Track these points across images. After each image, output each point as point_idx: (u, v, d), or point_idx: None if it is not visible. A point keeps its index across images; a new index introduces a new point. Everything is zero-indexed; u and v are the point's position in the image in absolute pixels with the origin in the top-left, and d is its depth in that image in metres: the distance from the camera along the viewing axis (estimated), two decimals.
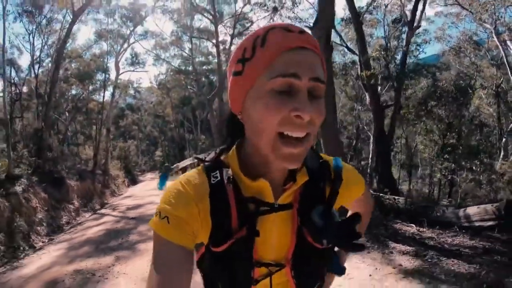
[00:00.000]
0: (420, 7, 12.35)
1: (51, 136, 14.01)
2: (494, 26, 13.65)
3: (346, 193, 0.86)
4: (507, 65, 13.05)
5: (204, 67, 28.53)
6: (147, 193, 16.00)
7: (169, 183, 0.84)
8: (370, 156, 13.83)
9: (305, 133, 0.66)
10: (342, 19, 14.01)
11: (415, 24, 12.21)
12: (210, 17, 20.83)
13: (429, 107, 11.86)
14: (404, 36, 12.73)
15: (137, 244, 6.37)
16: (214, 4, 20.47)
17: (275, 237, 0.78)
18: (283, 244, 0.79)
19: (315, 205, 0.78)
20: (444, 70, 18.58)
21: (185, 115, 32.56)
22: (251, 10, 19.26)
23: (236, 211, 0.73)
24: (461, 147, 11.23)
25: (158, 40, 24.79)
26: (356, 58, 12.54)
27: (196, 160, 0.84)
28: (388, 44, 13.14)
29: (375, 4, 13.83)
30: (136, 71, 28.47)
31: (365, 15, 13.42)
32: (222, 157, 0.81)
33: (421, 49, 15.23)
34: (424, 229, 5.76)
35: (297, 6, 14.15)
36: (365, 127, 18.91)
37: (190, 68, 24.94)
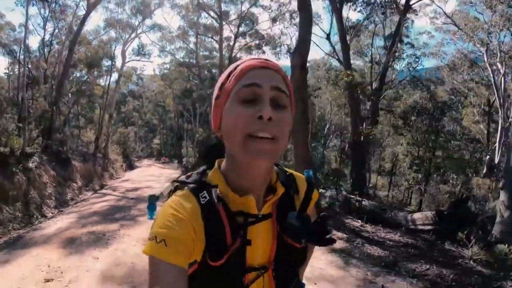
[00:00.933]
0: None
1: (59, 119, 15.05)
2: (486, 48, 14.29)
3: (313, 199, 0.96)
4: (494, 86, 13.72)
5: (208, 61, 29.05)
6: (144, 179, 17.10)
7: (158, 210, 0.93)
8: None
9: (272, 135, 0.73)
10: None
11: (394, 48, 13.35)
12: (216, 16, 21.70)
13: (409, 121, 12.97)
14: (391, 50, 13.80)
15: (137, 217, 7.67)
16: (220, 3, 21.38)
17: (260, 243, 0.84)
18: (266, 248, 0.85)
19: (289, 211, 0.85)
20: (439, 84, 19.37)
21: (186, 106, 33.09)
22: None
23: (229, 225, 0.78)
24: (429, 160, 12.33)
25: (165, 33, 25.51)
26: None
27: (177, 184, 0.87)
28: (372, 64, 14.28)
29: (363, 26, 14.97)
30: (142, 61, 29.12)
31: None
32: (204, 178, 0.86)
33: (419, 62, 16.32)
34: (367, 225, 7.02)
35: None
36: None
37: (194, 61, 25.66)
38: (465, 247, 5.40)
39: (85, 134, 22.24)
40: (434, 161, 13.05)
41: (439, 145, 13.59)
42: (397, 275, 4.50)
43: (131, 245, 5.51)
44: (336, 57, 15.48)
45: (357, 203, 8.12)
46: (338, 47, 15.51)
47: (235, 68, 0.79)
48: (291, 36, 24.13)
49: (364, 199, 8.51)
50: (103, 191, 13.03)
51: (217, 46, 23.26)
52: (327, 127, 22.84)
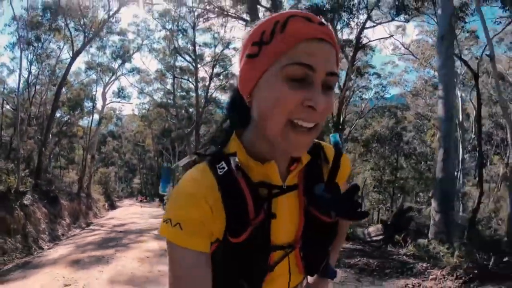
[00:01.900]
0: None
1: (45, 159, 15.81)
2: None
3: (342, 170, 0.85)
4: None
5: (184, 100, 30.20)
6: (128, 216, 17.76)
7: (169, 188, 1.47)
8: None
9: (315, 123, 0.67)
10: None
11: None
12: (191, 59, 23.19)
13: (371, 148, 14.48)
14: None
15: (129, 244, 8.55)
16: (195, 47, 23.02)
17: (286, 218, 0.78)
18: (293, 224, 0.80)
19: (317, 183, 0.79)
20: (404, 110, 20.39)
21: (164, 145, 33.95)
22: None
23: (251, 197, 0.71)
24: (392, 182, 13.74)
25: (144, 75, 26.73)
26: None
27: (196, 156, 0.81)
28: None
29: None
30: (122, 102, 30.14)
31: None
32: (223, 149, 0.80)
33: (386, 90, 17.79)
34: None
35: None
36: None
37: (172, 102, 26.64)
38: (402, 247, 6.68)
39: (67, 174, 22.74)
40: (398, 182, 14.50)
41: (400, 167, 15.05)
42: (336, 267, 5.67)
43: (128, 262, 6.42)
44: None
45: None
46: None
47: (283, 27, 0.65)
48: None
49: None
50: (91, 227, 13.71)
51: (193, 86, 24.58)
52: None
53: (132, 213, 20.43)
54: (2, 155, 13.16)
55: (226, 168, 0.73)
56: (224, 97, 25.55)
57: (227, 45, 23.53)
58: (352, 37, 11.88)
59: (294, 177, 0.80)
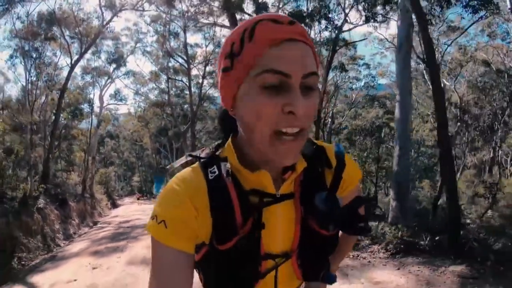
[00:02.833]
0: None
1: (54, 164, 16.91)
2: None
3: (347, 179, 0.83)
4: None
5: (179, 99, 30.85)
6: (131, 213, 18.89)
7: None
8: None
9: (300, 127, 0.65)
10: None
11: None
12: (183, 60, 24.09)
13: (353, 141, 15.65)
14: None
15: (138, 237, 9.71)
16: (187, 49, 23.91)
17: (279, 228, 0.76)
18: (288, 234, 0.78)
19: (317, 191, 0.76)
20: (393, 100, 21.14)
21: (162, 143, 34.66)
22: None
23: (239, 204, 0.70)
24: (375, 173, 14.87)
25: (138, 77, 27.64)
26: None
27: (190, 158, 0.82)
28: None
29: None
30: (119, 105, 31.01)
31: None
32: (217, 153, 0.79)
33: (375, 80, 18.54)
34: None
35: None
36: None
37: (166, 101, 27.42)
38: None
39: (69, 177, 23.71)
40: (383, 172, 15.64)
41: (385, 157, 16.13)
42: None
43: (140, 249, 7.58)
44: None
45: None
46: None
47: (251, 35, 0.63)
48: None
49: None
50: (99, 225, 14.85)
51: (187, 84, 25.40)
52: None
53: (134, 210, 21.43)
54: (10, 162, 14.22)
55: (217, 173, 0.72)
56: (217, 94, 26.12)
57: (218, 44, 24.31)
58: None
59: (290, 185, 0.77)
